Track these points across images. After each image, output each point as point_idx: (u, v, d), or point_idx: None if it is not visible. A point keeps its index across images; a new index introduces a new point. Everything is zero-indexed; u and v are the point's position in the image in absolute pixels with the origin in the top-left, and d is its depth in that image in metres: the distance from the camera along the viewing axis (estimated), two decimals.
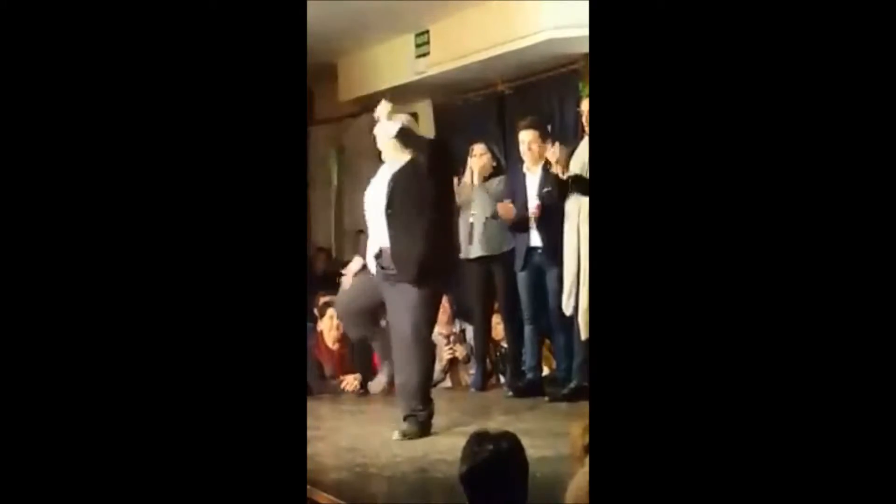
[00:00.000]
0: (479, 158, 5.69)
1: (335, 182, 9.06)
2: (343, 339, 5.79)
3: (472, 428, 3.09)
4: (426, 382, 4.50)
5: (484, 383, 5.79)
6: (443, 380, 5.99)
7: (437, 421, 4.48)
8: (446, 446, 3.94)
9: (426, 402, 4.41)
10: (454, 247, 4.87)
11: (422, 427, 4.37)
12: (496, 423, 4.46)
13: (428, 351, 4.51)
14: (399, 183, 4.34)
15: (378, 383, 5.37)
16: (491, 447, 2.35)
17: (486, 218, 5.57)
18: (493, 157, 5.76)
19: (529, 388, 5.43)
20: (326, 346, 5.99)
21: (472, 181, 5.65)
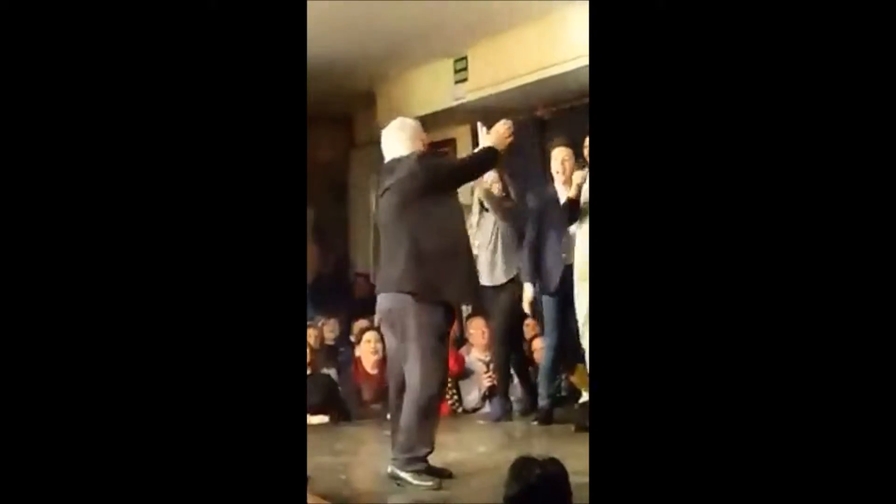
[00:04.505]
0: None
1: (374, 207, 9.07)
2: (382, 363, 5.77)
3: (513, 454, 3.06)
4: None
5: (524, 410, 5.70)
6: (482, 406, 5.96)
7: (479, 447, 4.43)
8: (487, 472, 3.92)
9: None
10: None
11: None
12: (537, 449, 4.42)
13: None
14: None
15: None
16: (537, 472, 2.34)
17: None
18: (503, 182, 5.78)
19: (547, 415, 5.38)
20: (365, 371, 5.98)
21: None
